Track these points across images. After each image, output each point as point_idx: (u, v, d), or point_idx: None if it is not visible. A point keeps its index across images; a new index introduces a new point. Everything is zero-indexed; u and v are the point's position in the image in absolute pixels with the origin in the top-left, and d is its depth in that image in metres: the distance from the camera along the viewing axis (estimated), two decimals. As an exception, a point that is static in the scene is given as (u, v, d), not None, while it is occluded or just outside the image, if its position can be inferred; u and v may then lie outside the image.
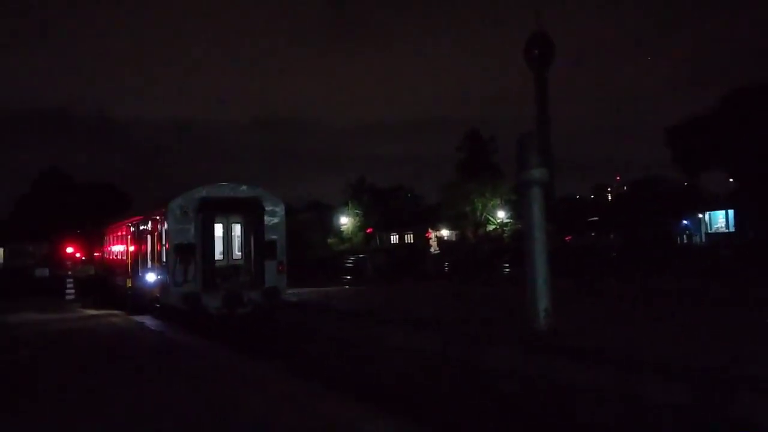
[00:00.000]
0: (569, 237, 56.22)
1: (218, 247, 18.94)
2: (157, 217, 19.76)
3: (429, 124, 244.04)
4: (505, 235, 57.94)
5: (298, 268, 34.12)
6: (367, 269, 36.77)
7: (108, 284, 28.13)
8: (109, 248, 29.24)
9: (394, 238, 74.11)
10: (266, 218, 18.89)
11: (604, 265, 29.97)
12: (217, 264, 18.47)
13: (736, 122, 38.61)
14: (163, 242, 18.88)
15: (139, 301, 21.58)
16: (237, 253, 19.56)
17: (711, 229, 49.27)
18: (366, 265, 37.99)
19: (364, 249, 55.14)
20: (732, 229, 46.06)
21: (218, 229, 18.98)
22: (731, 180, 42.00)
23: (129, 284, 23.29)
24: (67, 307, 24.40)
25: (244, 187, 19.40)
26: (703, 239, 48.77)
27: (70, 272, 30.36)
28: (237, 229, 19.64)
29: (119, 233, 26.28)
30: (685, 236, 50.60)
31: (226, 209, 18.88)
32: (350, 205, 67.38)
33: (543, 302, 11.19)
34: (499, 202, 58.37)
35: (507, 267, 34.27)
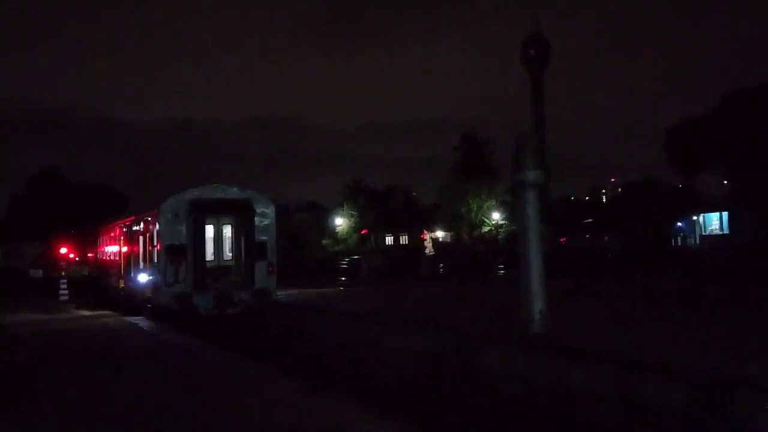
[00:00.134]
0: (564, 239, 56.33)
1: (209, 248, 19.12)
2: (149, 219, 19.92)
3: (427, 125, 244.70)
4: (500, 236, 57.89)
5: (295, 270, 34.09)
6: (362, 270, 36.70)
7: (101, 285, 28.09)
8: (102, 249, 29.18)
9: (389, 240, 74.11)
10: (257, 220, 19.09)
11: (601, 267, 29.98)
12: (207, 265, 18.64)
13: (735, 123, 38.63)
14: (155, 243, 19.03)
15: (132, 301, 21.66)
16: (228, 254, 19.74)
17: (705, 231, 49.43)
18: (361, 267, 37.92)
19: (359, 250, 55.05)
20: (726, 231, 46.22)
21: (209, 231, 19.17)
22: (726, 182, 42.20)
23: (122, 285, 23.35)
24: (60, 307, 24.31)
25: (234, 189, 19.64)
26: (698, 241, 48.93)
27: (63, 273, 30.22)
28: (228, 230, 19.82)
29: (112, 234, 26.29)
30: (679, 238, 50.77)
31: (217, 211, 19.07)
32: (346, 206, 67.31)
33: (538, 304, 11.11)
34: (494, 203, 58.31)
35: (502, 268, 34.26)
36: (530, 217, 11.56)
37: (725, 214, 46.59)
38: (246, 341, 15.69)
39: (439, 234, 67.30)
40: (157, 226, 18.72)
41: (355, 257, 42.82)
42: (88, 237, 35.22)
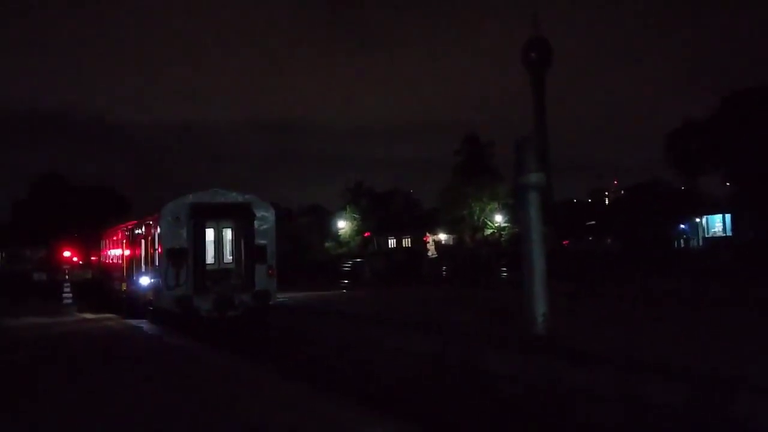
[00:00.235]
0: (566, 241, 56.25)
1: (210, 251, 19.39)
2: (151, 223, 20.19)
3: (428, 126, 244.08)
4: (503, 239, 57.86)
5: (297, 272, 34.11)
6: (364, 273, 36.68)
7: (105, 288, 28.22)
8: (105, 252, 29.34)
9: (392, 242, 74.05)
10: (256, 224, 19.33)
11: (604, 268, 29.94)
12: (208, 268, 18.91)
13: (736, 125, 38.60)
14: (156, 247, 19.27)
15: (134, 304, 21.83)
16: (228, 258, 19.99)
17: (708, 233, 49.36)
18: (364, 269, 37.89)
19: (362, 253, 55.06)
20: (729, 233, 46.15)
21: (210, 234, 19.43)
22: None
23: (124, 288, 23.49)
24: (64, 310, 24.34)
25: (234, 193, 19.99)
26: (701, 243, 48.85)
27: (67, 276, 30.31)
28: (228, 233, 20.05)
29: (115, 238, 26.50)
30: (682, 240, 50.68)
31: (217, 215, 19.37)
32: (348, 209, 67.37)
33: (541, 306, 11.11)
34: (496, 205, 58.29)
35: (505, 271, 34.20)
36: (532, 220, 11.57)
37: (728, 216, 46.54)
38: (247, 343, 15.75)
39: (442, 236, 67.25)
40: (159, 229, 19.00)
41: (358, 260, 42.79)
42: (91, 240, 35.37)
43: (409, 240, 72.06)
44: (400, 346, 12.67)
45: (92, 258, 35.50)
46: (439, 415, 9.24)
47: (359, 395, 9.58)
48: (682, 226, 51.40)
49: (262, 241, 19.34)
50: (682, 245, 49.71)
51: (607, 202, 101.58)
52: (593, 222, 67.96)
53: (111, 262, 27.49)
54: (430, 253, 53.34)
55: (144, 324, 19.33)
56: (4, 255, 44.61)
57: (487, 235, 59.23)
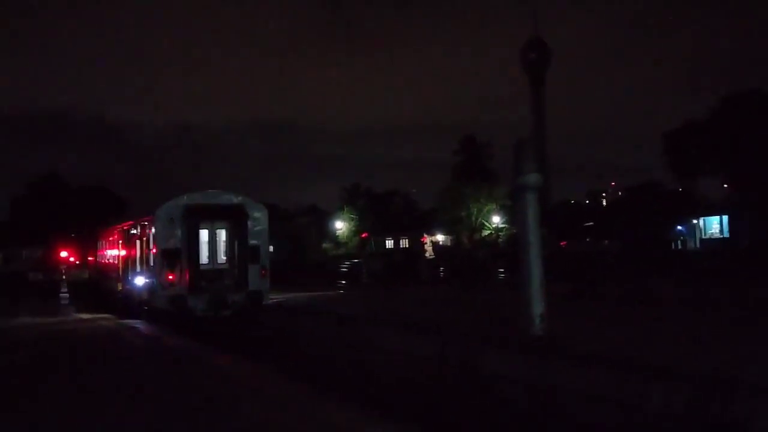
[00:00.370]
0: (564, 242, 56.26)
1: (204, 251, 19.65)
2: (146, 223, 20.47)
3: (427, 127, 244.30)
4: (500, 240, 57.93)
5: (295, 273, 34.06)
6: (362, 274, 36.64)
7: (101, 288, 28.21)
8: (102, 253, 29.35)
9: (390, 243, 74.02)
10: (250, 224, 19.62)
11: (601, 270, 29.92)
12: (202, 268, 19.21)
13: (734, 126, 38.65)
14: (151, 247, 19.50)
15: (129, 304, 21.94)
16: (222, 258, 20.20)
17: (705, 234, 49.42)
18: (361, 270, 37.85)
19: (360, 254, 55.06)
20: (726, 234, 46.20)
21: (204, 235, 19.68)
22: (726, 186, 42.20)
23: (120, 288, 23.54)
24: (61, 310, 24.33)
25: (228, 195, 20.22)
26: (698, 245, 48.91)
27: (64, 276, 30.29)
28: (222, 234, 20.23)
29: (111, 238, 26.60)
30: (679, 241, 50.74)
31: (211, 216, 19.61)
32: (346, 209, 67.39)
33: (538, 307, 11.06)
34: (494, 207, 58.35)
35: (502, 272, 34.18)
36: (530, 221, 11.53)
37: (725, 217, 46.60)
38: (245, 343, 15.75)
39: (440, 237, 67.31)
40: (153, 230, 19.26)
41: (356, 261, 42.77)
42: (88, 241, 35.32)
43: (407, 241, 72.07)
44: (399, 347, 12.62)
45: (89, 258, 35.44)
46: (438, 415, 9.21)
47: (359, 395, 9.55)
48: (680, 227, 51.46)
49: (255, 242, 19.63)
50: (679, 246, 49.77)
51: (604, 204, 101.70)
52: (591, 223, 68.04)
53: (107, 262, 27.53)
54: (427, 254, 53.38)
55: (139, 324, 19.35)
56: (1, 255, 44.47)
57: (485, 236, 59.28)
